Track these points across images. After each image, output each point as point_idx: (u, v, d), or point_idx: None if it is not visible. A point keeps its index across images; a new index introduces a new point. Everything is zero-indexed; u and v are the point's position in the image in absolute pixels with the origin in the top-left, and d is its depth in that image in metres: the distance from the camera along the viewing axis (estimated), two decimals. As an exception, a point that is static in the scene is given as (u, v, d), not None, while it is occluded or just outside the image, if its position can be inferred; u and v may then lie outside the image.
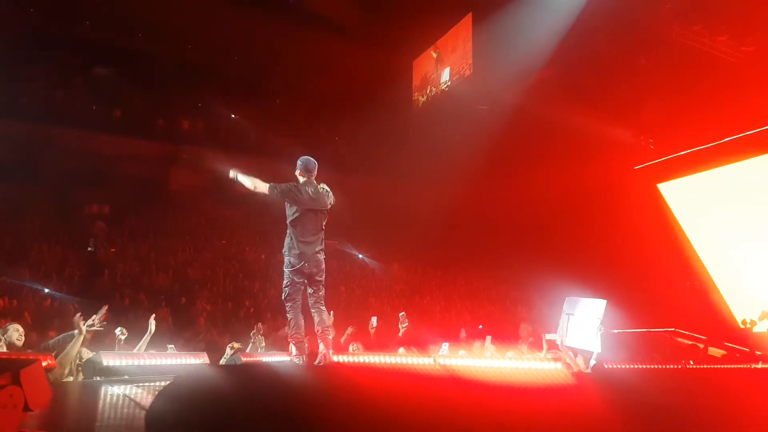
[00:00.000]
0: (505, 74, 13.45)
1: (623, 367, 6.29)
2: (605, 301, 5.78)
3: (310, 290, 5.15)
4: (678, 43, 11.82)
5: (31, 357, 4.27)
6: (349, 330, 8.33)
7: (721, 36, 11.62)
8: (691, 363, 8.10)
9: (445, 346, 7.27)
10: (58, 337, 5.59)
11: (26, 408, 2.12)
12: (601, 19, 11.93)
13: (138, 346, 6.24)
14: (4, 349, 5.40)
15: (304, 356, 5.07)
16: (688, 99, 12.49)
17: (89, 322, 5.55)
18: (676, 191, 14.15)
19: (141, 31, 16.97)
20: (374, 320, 8.41)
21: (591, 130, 13.14)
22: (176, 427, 1.98)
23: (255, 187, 5.17)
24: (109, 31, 16.59)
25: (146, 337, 6.30)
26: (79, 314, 5.57)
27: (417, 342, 8.02)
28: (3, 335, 5.50)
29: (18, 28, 15.27)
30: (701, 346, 10.04)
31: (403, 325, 8.11)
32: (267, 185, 5.14)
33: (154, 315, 6.69)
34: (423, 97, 17.22)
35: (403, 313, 8.43)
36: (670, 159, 13.81)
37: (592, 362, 5.66)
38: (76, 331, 5.46)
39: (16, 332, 5.51)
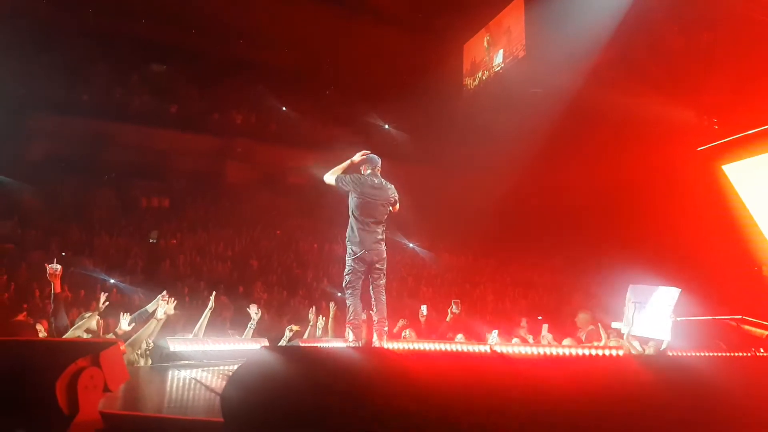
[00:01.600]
0: (561, 55, 12.98)
1: (687, 354, 6.05)
2: (679, 289, 5.55)
3: (371, 279, 5.33)
4: (743, 17, 11.17)
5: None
6: (401, 323, 8.44)
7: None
8: (761, 351, 7.70)
9: (495, 333, 7.23)
10: (134, 315, 5.84)
11: (106, 389, 2.20)
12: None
13: (200, 322, 6.53)
14: (85, 335, 5.69)
15: (360, 342, 5.21)
16: (755, 75, 11.76)
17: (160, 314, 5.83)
18: (742, 173, 13.39)
19: (194, 28, 17.37)
20: (424, 308, 8.50)
21: (651, 111, 12.56)
22: (250, 410, 2.03)
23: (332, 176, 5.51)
24: (165, 29, 17.07)
25: (206, 313, 6.61)
26: (165, 294, 5.83)
27: (470, 330, 8.02)
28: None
29: (79, 30, 15.92)
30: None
31: (453, 311, 8.12)
32: (334, 177, 5.47)
33: (214, 293, 7.08)
34: (474, 81, 16.91)
35: (457, 300, 8.44)
36: (735, 139, 13.07)
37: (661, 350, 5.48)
38: (149, 307, 5.80)
39: (93, 318, 5.79)
